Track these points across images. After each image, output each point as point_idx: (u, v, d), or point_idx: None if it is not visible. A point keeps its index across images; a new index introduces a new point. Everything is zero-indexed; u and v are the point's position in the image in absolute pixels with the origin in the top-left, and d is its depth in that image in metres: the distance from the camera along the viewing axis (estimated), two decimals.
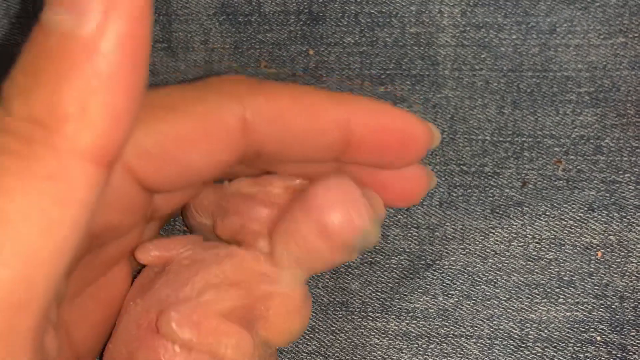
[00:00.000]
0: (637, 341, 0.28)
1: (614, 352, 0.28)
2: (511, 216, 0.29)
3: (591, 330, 0.28)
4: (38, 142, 0.15)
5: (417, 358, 0.28)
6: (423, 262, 0.29)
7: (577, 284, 0.28)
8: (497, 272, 0.29)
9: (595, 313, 0.28)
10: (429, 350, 0.28)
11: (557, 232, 0.29)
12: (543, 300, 0.28)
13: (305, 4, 0.31)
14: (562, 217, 0.29)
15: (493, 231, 0.29)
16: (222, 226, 0.26)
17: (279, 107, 0.22)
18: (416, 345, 0.28)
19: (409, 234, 0.29)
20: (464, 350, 0.28)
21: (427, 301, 0.29)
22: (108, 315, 0.25)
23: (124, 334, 0.24)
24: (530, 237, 0.29)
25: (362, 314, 0.29)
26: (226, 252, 0.25)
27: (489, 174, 0.30)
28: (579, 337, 0.28)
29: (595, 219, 0.29)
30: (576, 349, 0.28)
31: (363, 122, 0.23)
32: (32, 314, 0.16)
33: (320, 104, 0.23)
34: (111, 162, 0.16)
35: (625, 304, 0.28)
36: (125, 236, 0.24)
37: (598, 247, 0.28)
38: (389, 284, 0.29)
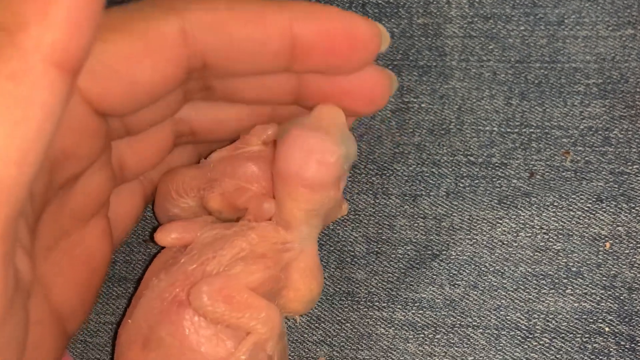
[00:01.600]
0: None
1: (622, 342, 0.27)
2: (519, 207, 0.29)
3: (599, 321, 0.28)
4: (1, 44, 0.16)
5: (424, 348, 0.28)
6: (430, 252, 0.29)
7: (585, 275, 0.28)
8: (505, 263, 0.28)
9: (603, 304, 0.28)
10: (436, 340, 0.28)
11: (565, 223, 0.28)
12: (551, 291, 0.28)
13: None
14: (570, 207, 0.29)
15: (500, 222, 0.29)
16: (216, 195, 0.26)
17: (217, 16, 0.23)
18: (422, 335, 0.28)
19: (416, 224, 0.29)
20: (471, 340, 0.28)
21: (434, 291, 0.29)
22: (88, 274, 0.25)
23: (145, 309, 0.24)
24: (538, 227, 0.29)
25: (368, 303, 0.29)
26: (248, 226, 0.25)
27: (497, 164, 0.29)
28: (587, 328, 0.28)
29: (603, 209, 0.28)
30: (584, 339, 0.27)
31: (306, 25, 0.23)
32: (1, 219, 0.17)
33: (260, 11, 0.23)
34: (74, 69, 0.17)
35: (633, 295, 0.28)
36: (89, 181, 0.24)
37: (606, 238, 0.28)
38: (395, 274, 0.29)
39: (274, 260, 0.24)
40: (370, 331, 0.28)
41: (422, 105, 0.30)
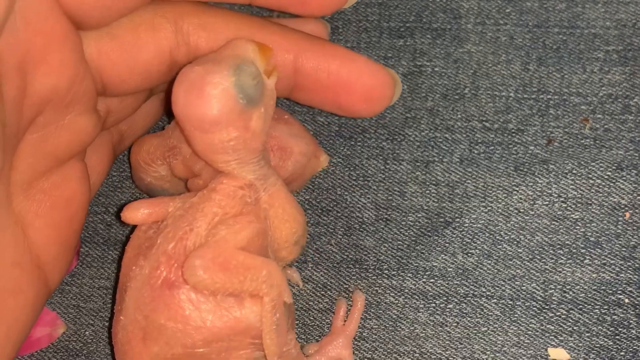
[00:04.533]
0: None
1: None
2: (536, 174, 0.28)
3: (619, 292, 0.26)
4: None
5: (435, 318, 0.27)
6: (442, 219, 0.28)
7: (603, 245, 0.27)
8: (520, 232, 0.27)
9: (622, 275, 0.27)
10: (447, 310, 0.27)
11: (583, 192, 0.27)
12: (568, 261, 0.27)
13: None
14: (590, 175, 0.27)
15: (517, 189, 0.28)
16: (178, 162, 0.25)
17: None
18: (434, 305, 0.27)
19: (427, 191, 0.28)
20: (484, 310, 0.27)
21: (446, 260, 0.27)
22: (67, 218, 0.24)
23: (135, 300, 0.23)
24: (555, 195, 0.27)
25: (377, 271, 0.27)
26: (209, 189, 0.23)
27: (513, 130, 0.28)
28: (606, 300, 0.26)
29: (623, 178, 0.27)
30: (602, 311, 0.26)
31: None
32: None
33: None
34: None
35: None
36: (78, 120, 0.23)
37: (626, 208, 0.27)
38: (406, 242, 0.28)
39: (253, 214, 0.23)
40: (379, 300, 0.27)
41: (436, 69, 0.29)
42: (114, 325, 0.24)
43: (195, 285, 0.22)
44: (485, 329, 0.27)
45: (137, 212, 0.24)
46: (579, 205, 0.27)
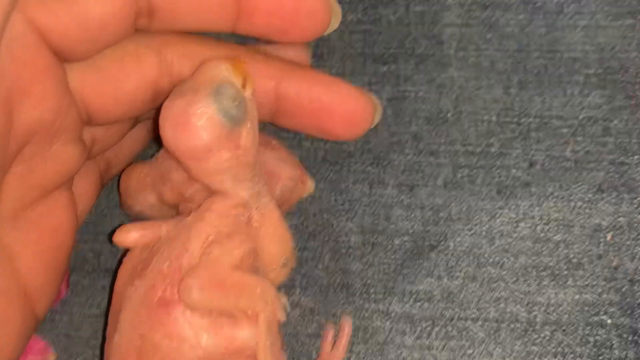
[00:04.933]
0: None
1: (624, 335, 0.27)
2: (518, 197, 0.28)
3: (601, 313, 0.27)
4: None
5: (421, 341, 0.27)
6: (427, 243, 0.28)
7: (586, 267, 0.27)
8: (504, 254, 0.28)
9: (605, 296, 0.27)
10: (433, 333, 0.27)
11: (565, 214, 0.28)
12: (551, 283, 0.27)
13: None
14: (571, 198, 0.28)
15: (500, 212, 0.28)
16: (168, 189, 0.26)
17: None
18: (420, 328, 0.27)
19: (413, 215, 0.28)
20: (470, 333, 0.27)
21: (432, 283, 0.28)
22: (54, 247, 0.24)
23: (130, 319, 0.23)
24: (538, 218, 0.28)
25: (364, 295, 0.28)
26: (203, 208, 0.24)
27: (495, 154, 0.29)
28: (589, 320, 0.27)
29: (605, 200, 0.28)
30: (586, 332, 0.27)
31: None
32: None
33: None
34: None
35: (635, 287, 0.27)
36: (63, 150, 0.23)
37: (608, 229, 0.28)
38: (392, 266, 0.28)
39: (245, 233, 0.24)
40: (366, 324, 0.28)
41: (419, 94, 0.30)
42: (106, 347, 0.24)
43: (192, 306, 0.22)
44: (471, 351, 0.27)
45: (129, 235, 0.24)
46: (561, 227, 0.28)
